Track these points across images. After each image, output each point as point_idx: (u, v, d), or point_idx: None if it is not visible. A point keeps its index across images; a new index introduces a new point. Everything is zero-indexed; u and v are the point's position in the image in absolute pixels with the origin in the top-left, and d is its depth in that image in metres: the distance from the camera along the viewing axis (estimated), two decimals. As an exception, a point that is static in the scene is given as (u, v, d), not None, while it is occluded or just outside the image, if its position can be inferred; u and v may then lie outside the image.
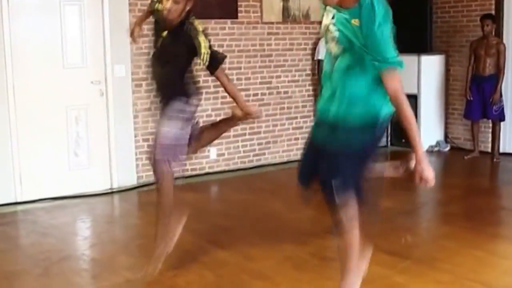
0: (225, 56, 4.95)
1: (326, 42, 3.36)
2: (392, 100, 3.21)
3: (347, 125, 3.28)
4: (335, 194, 3.27)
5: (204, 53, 4.58)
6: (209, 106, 7.77)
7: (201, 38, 4.57)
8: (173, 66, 4.68)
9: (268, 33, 8.23)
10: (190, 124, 4.71)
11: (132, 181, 7.27)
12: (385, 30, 3.10)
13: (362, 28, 3.09)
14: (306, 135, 9.02)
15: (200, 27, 4.63)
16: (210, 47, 4.62)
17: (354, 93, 3.27)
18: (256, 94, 8.18)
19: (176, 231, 4.69)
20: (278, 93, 8.37)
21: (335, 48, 3.30)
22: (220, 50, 7.72)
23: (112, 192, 7.10)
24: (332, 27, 3.27)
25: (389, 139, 9.52)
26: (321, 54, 8.30)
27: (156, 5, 4.76)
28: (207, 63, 4.66)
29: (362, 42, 3.12)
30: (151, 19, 4.97)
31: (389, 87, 3.19)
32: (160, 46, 4.72)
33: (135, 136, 7.27)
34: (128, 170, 7.24)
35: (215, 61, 4.74)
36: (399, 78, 3.22)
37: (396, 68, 3.20)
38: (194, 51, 4.58)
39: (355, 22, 3.11)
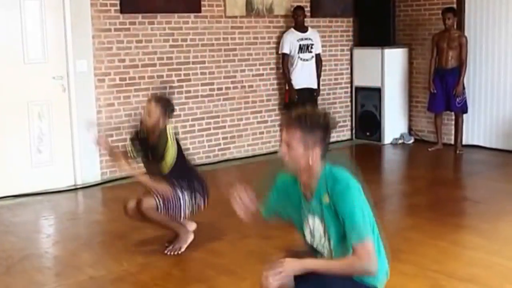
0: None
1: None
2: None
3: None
4: None
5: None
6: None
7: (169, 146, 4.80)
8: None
9: (232, 27, 8.20)
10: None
11: (96, 177, 7.20)
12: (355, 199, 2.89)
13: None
14: (271, 129, 9.06)
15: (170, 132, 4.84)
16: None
17: None
18: (221, 88, 8.15)
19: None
20: (243, 87, 8.35)
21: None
22: (184, 44, 7.74)
23: (75, 189, 7.03)
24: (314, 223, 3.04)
25: (353, 132, 9.57)
26: (285, 48, 8.30)
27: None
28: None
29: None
30: None
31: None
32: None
33: (99, 132, 7.20)
34: (92, 167, 7.17)
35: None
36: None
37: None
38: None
39: (325, 199, 2.93)
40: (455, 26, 8.35)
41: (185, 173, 4.92)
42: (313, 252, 3.10)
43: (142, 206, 4.71)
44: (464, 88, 8.32)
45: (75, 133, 7.03)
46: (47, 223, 6.11)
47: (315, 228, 3.03)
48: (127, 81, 7.37)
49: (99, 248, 5.20)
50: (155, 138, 4.82)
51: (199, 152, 8.03)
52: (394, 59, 9.16)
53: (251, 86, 8.46)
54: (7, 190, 6.65)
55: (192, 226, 5.13)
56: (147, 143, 4.89)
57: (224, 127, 8.25)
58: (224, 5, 8.04)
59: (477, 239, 5.18)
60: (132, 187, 7.05)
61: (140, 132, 4.98)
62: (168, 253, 4.84)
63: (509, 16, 8.31)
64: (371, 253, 2.85)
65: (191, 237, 4.96)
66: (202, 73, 7.95)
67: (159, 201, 4.74)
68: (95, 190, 7.02)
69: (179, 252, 4.86)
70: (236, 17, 8.20)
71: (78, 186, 7.06)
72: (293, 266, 2.85)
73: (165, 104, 4.89)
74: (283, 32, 8.47)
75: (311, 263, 2.90)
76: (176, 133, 5.00)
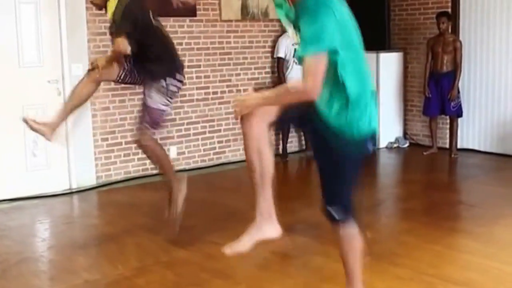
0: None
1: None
2: None
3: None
4: (335, 215, 3.28)
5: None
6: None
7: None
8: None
9: (227, 31, 8.21)
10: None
11: (91, 181, 7.19)
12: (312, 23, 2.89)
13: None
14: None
15: None
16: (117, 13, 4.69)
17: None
18: (216, 92, 8.16)
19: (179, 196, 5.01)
20: (238, 91, 8.36)
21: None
22: (179, 48, 7.73)
23: (71, 193, 7.02)
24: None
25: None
26: (280, 52, 8.32)
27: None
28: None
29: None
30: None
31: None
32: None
33: (94, 136, 7.20)
34: (87, 170, 7.16)
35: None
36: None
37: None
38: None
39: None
40: (449, 30, 8.37)
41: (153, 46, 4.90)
42: None
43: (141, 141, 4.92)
44: (459, 92, 8.35)
45: (70, 136, 7.02)
46: (43, 227, 6.10)
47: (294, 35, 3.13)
48: (122, 85, 7.35)
49: (95, 252, 5.19)
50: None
51: (195, 156, 8.03)
52: (389, 63, 9.18)
53: (247, 90, 8.42)
54: (3, 194, 6.64)
55: (183, 180, 5.15)
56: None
57: (220, 131, 8.25)
58: (220, 9, 8.06)
59: (473, 243, 5.18)
60: (128, 191, 7.08)
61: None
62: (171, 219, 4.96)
63: (503, 20, 8.33)
64: (312, 70, 2.84)
65: (183, 191, 5.03)
66: (197, 77, 7.96)
67: (125, 66, 4.85)
68: (90, 194, 7.02)
69: (179, 211, 4.99)
70: (231, 21, 8.21)
71: (74, 190, 7.05)
72: (256, 96, 3.12)
73: None
74: (278, 36, 8.48)
75: (267, 92, 3.10)
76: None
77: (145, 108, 4.95)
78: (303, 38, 2.89)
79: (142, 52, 4.84)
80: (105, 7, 4.84)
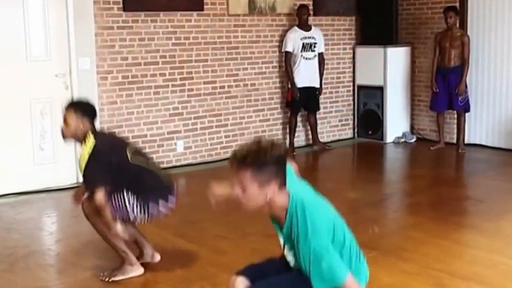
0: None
1: None
2: None
3: None
4: None
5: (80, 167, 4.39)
6: (176, 99, 7.73)
7: (83, 155, 4.34)
8: None
9: (235, 25, 8.20)
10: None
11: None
12: (317, 245, 2.76)
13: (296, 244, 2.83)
14: (273, 127, 9.06)
15: (88, 144, 4.35)
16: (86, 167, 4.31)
17: None
18: (223, 87, 8.15)
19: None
20: (245, 85, 8.35)
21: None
22: (186, 42, 7.75)
23: (78, 186, 7.01)
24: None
25: (355, 130, 9.57)
26: (288, 46, 8.31)
27: None
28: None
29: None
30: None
31: None
32: None
33: (101, 130, 7.20)
34: (94, 164, 7.16)
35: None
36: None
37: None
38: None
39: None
40: (457, 25, 8.35)
41: (127, 179, 4.40)
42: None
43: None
44: (466, 87, 8.32)
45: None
46: (50, 221, 6.12)
47: (286, 251, 3.01)
48: (130, 79, 7.38)
49: (102, 246, 5.19)
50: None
51: (201, 150, 8.03)
52: (397, 58, 9.15)
53: (254, 85, 8.46)
54: (10, 188, 6.66)
55: (156, 257, 4.68)
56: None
57: (227, 125, 8.25)
58: (227, 3, 8.04)
59: (480, 238, 5.18)
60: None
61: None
62: (101, 277, 4.46)
63: (511, 15, 8.30)
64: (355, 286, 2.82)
65: (135, 271, 4.48)
66: (204, 71, 7.95)
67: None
68: (97, 188, 7.02)
69: (108, 280, 4.42)
70: (238, 15, 8.20)
71: (81, 184, 7.05)
72: None
73: (82, 109, 4.45)
74: (286, 31, 8.47)
75: None
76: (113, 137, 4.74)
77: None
78: (316, 274, 2.78)
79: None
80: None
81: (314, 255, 2.76)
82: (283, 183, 2.84)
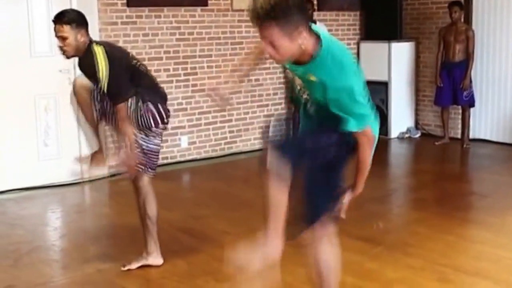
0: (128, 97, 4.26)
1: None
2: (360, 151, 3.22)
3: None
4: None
5: (102, 79, 4.14)
6: (180, 94, 7.72)
7: (101, 64, 4.11)
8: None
9: (239, 21, 8.18)
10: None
11: (102, 170, 7.19)
12: (356, 85, 2.88)
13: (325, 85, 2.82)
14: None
15: (100, 51, 4.13)
16: (109, 75, 4.11)
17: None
18: (227, 82, 8.12)
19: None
20: (249, 80, 8.34)
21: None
22: (190, 38, 7.73)
23: (82, 182, 7.03)
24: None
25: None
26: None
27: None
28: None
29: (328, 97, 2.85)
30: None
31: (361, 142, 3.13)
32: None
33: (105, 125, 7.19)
34: (99, 160, 7.16)
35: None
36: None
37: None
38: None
39: (311, 77, 2.86)
40: (462, 20, 8.32)
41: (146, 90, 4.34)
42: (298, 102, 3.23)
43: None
44: (471, 82, 8.30)
45: (81, 126, 7.02)
46: (54, 216, 6.13)
47: (301, 91, 3.14)
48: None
49: (106, 241, 5.21)
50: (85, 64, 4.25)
51: (206, 145, 8.03)
52: (401, 53, 9.14)
53: (258, 80, 8.44)
54: (14, 183, 6.66)
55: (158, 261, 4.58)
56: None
57: (231, 120, 8.25)
58: (231, -1, 8.04)
59: (485, 233, 5.17)
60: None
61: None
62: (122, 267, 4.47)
63: (516, 9, 8.28)
64: (371, 138, 3.18)
65: (147, 261, 4.49)
66: (208, 67, 7.94)
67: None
68: (101, 183, 7.03)
69: (123, 269, 4.44)
70: (242, 10, 8.18)
71: (85, 180, 7.06)
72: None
73: (76, 20, 4.18)
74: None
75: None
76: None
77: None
78: (347, 111, 2.90)
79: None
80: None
81: (351, 92, 2.84)
82: (309, 26, 2.81)
